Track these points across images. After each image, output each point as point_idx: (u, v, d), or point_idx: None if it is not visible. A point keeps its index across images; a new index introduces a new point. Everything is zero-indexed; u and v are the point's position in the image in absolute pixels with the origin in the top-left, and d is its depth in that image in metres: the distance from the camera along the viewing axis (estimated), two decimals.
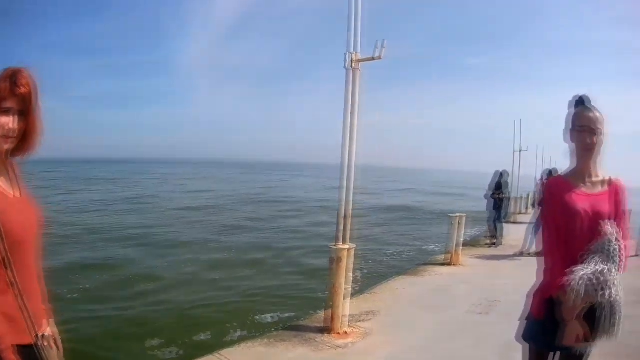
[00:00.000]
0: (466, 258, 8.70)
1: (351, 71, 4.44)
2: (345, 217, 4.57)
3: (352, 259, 4.60)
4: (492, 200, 10.65)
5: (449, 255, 8.24)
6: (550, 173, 8.81)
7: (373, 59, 4.38)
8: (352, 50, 4.41)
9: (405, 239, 15.66)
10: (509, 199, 10.83)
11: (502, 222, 10.79)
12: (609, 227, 1.89)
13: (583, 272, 1.79)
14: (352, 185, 4.57)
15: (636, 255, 9.89)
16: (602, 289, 1.77)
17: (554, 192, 2.05)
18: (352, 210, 4.66)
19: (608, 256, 1.84)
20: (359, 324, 4.90)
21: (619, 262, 1.85)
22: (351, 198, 4.59)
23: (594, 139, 1.95)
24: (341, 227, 4.56)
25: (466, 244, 10.53)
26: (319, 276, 8.28)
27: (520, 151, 13.98)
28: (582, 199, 1.98)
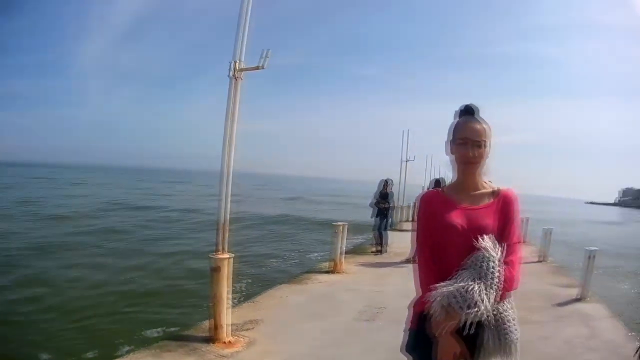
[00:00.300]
0: (351, 266, 8.74)
1: (234, 80, 4.37)
2: (223, 225, 4.42)
3: (231, 268, 4.44)
4: (377, 209, 10.82)
5: (333, 263, 8.21)
6: (437, 182, 9.19)
7: (257, 68, 4.36)
8: (237, 59, 4.35)
9: (289, 247, 15.85)
10: (393, 207, 11.15)
11: (387, 231, 10.96)
12: (485, 242, 1.71)
13: (445, 288, 1.64)
14: (229, 194, 4.44)
15: (540, 261, 10.93)
16: (469, 307, 1.59)
17: (427, 206, 1.92)
18: (232, 218, 4.56)
19: (480, 272, 1.66)
20: (243, 333, 4.74)
21: (495, 277, 1.65)
22: (229, 206, 4.46)
23: (476, 152, 1.82)
24: (220, 236, 4.41)
25: (352, 252, 10.78)
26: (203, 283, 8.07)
27: (407, 161, 14.69)
28: (459, 213, 1.83)
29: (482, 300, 1.59)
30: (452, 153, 1.90)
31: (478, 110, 1.92)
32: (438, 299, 1.62)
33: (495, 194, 1.89)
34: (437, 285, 1.66)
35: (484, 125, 1.86)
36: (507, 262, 1.74)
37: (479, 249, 1.69)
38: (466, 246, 1.73)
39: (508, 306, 1.77)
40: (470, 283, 1.61)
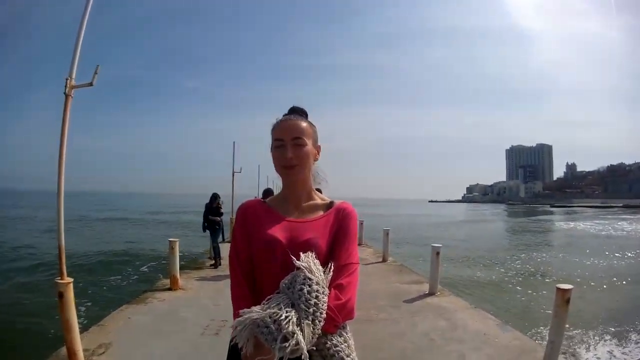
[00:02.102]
0: (188, 281, 8.78)
1: (65, 97, 4.23)
2: (61, 250, 4.23)
3: (72, 293, 4.27)
4: (206, 223, 10.98)
5: (170, 280, 8.18)
6: (266, 192, 9.53)
7: (89, 85, 4.28)
8: (72, 76, 4.22)
9: (125, 266, 15.31)
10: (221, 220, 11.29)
11: (218, 244, 11.06)
12: (303, 260, 1.42)
13: (251, 314, 1.31)
14: (62, 214, 4.24)
15: (383, 261, 11.72)
16: (281, 340, 1.23)
17: (244, 216, 1.68)
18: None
19: (294, 297, 1.34)
20: (96, 358, 4.60)
21: (312, 304, 1.33)
22: (62, 229, 4.26)
23: (296, 152, 1.59)
24: (62, 260, 4.21)
25: (189, 267, 10.75)
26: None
27: (234, 173, 15.01)
28: (282, 226, 1.60)
29: (295, 333, 1.25)
30: (273, 160, 1.65)
31: (306, 113, 1.72)
32: (239, 328, 1.31)
33: (328, 206, 1.68)
34: (244, 310, 1.34)
35: (304, 123, 1.64)
36: (337, 285, 1.48)
37: (298, 268, 1.40)
38: (288, 264, 1.44)
39: (340, 340, 1.48)
40: (280, 310, 1.29)
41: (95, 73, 4.25)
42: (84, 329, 5.39)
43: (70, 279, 4.22)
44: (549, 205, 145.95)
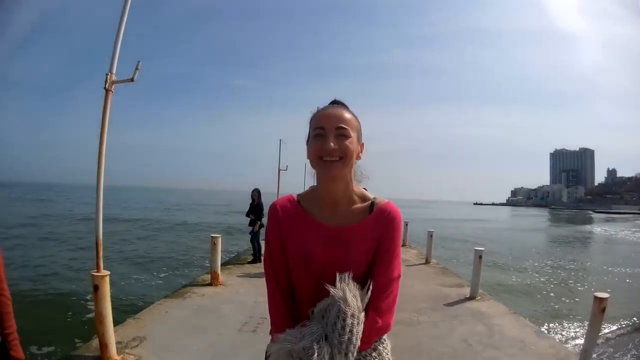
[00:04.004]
0: (229, 277, 8.78)
1: (106, 92, 4.26)
2: (98, 243, 4.28)
3: (108, 286, 4.30)
4: (250, 219, 10.91)
5: (211, 275, 8.22)
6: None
7: (129, 80, 4.29)
8: (110, 72, 4.24)
9: (167, 260, 15.56)
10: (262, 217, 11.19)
11: (259, 241, 10.96)
12: (339, 288, 1.30)
13: (284, 344, 1.27)
14: (100, 209, 4.26)
15: (426, 263, 11.67)
16: None
17: (276, 219, 1.51)
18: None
19: (326, 329, 1.27)
20: (129, 350, 4.61)
21: (345, 339, 1.25)
22: (101, 223, 4.28)
23: (339, 142, 1.40)
24: (100, 254, 4.26)
25: (231, 263, 10.82)
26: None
27: (280, 171, 15.01)
28: (318, 234, 1.44)
29: None
30: (308, 154, 1.47)
31: (345, 106, 1.52)
32: (273, 357, 1.28)
33: (370, 208, 1.48)
34: (278, 337, 1.30)
35: (350, 114, 1.46)
36: (375, 308, 1.37)
37: (331, 295, 1.30)
38: (324, 279, 1.34)
39: (374, 354, 1.45)
40: (313, 345, 1.23)
41: (137, 69, 4.26)
42: (120, 321, 5.42)
43: (107, 272, 4.24)
44: (591, 211, 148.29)
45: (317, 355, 1.21)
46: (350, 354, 1.25)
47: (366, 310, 1.35)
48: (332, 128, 1.40)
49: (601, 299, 4.41)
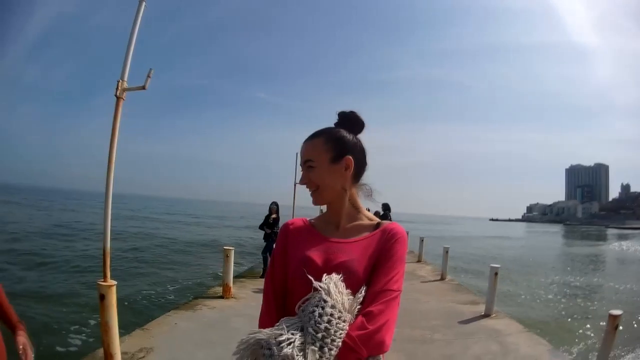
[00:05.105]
0: (241, 290, 8.70)
1: (117, 100, 4.17)
2: (106, 252, 4.17)
3: (114, 296, 4.20)
4: (264, 233, 10.84)
5: (224, 288, 8.14)
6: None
7: (141, 88, 4.19)
8: (121, 79, 4.16)
9: (178, 272, 15.46)
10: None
11: (266, 254, 10.80)
12: (325, 280, 1.24)
13: (257, 334, 1.17)
14: (109, 217, 4.16)
15: (442, 280, 11.56)
16: None
17: (286, 235, 1.56)
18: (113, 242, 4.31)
19: (303, 319, 1.19)
20: None
21: (322, 329, 1.15)
22: (109, 232, 4.18)
23: (308, 176, 1.50)
24: (107, 263, 4.15)
25: (244, 276, 10.77)
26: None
27: (295, 184, 15.02)
28: (321, 246, 1.46)
29: (294, 357, 1.10)
30: None
31: (357, 119, 1.57)
32: (242, 347, 1.18)
33: (374, 227, 1.50)
34: (252, 330, 1.22)
35: (316, 140, 1.51)
36: (366, 313, 1.27)
37: (316, 289, 1.23)
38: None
39: None
40: (285, 333, 1.14)
41: (148, 77, 4.17)
42: (128, 331, 5.36)
43: (114, 282, 4.16)
44: (604, 227, 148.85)
45: (287, 344, 1.12)
46: (326, 349, 1.14)
47: (356, 317, 1.26)
48: (302, 164, 1.52)
49: (615, 317, 4.40)
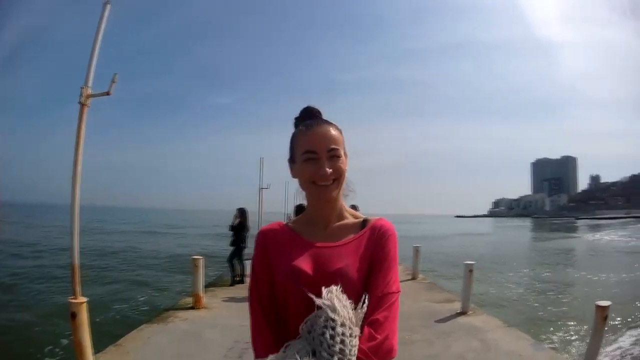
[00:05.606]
0: (212, 300, 8.52)
1: (81, 107, 4.10)
2: (74, 268, 4.07)
3: (86, 313, 4.09)
4: (232, 239, 10.66)
5: (194, 299, 7.98)
6: (299, 208, 9.17)
7: (106, 94, 4.14)
8: (87, 85, 4.10)
9: (145, 284, 15.16)
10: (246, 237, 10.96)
11: (243, 260, 10.68)
12: (326, 297, 1.12)
13: None
14: (77, 231, 4.07)
15: (413, 279, 11.57)
16: None
17: (264, 244, 1.42)
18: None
19: (313, 342, 1.08)
20: None
21: (336, 352, 1.04)
22: (77, 247, 4.07)
23: (334, 165, 1.33)
24: (76, 279, 4.05)
25: (214, 284, 10.53)
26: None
27: (261, 189, 14.83)
28: (308, 253, 1.34)
29: None
30: (296, 175, 1.41)
31: (320, 113, 1.46)
32: None
33: (361, 226, 1.41)
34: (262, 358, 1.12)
35: (336, 130, 1.38)
36: (372, 322, 1.22)
37: (319, 308, 1.11)
38: (310, 298, 1.14)
39: None
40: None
41: (113, 82, 4.11)
42: (101, 348, 5.15)
43: (84, 299, 4.04)
44: (574, 218, 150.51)
45: None
46: None
47: (362, 327, 1.17)
48: (324, 151, 1.33)
49: (603, 307, 4.39)
